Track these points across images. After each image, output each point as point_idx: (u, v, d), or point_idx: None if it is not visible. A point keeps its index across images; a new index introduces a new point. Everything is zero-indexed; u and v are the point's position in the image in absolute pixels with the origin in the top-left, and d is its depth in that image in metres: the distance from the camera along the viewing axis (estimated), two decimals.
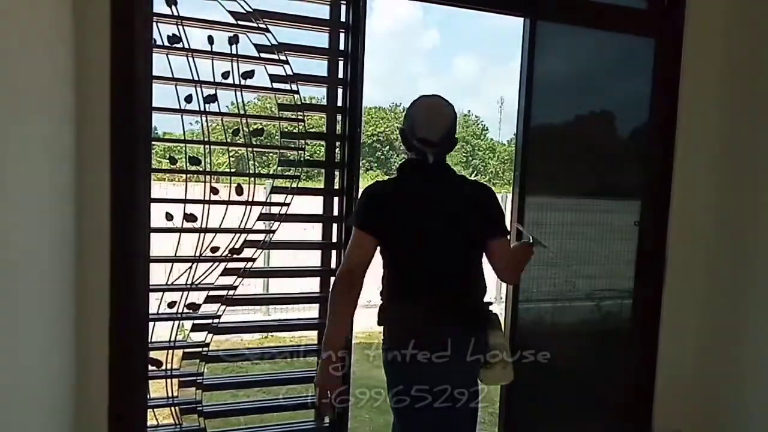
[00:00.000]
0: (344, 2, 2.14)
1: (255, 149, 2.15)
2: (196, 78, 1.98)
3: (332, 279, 2.21)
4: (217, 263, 2.07)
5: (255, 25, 2.01)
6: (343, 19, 2.16)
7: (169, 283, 2.05)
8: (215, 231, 2.06)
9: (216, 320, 2.08)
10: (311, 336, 2.36)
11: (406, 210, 1.71)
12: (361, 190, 1.85)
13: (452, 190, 1.77)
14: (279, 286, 2.64)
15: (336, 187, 2.24)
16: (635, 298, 2.65)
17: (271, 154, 2.49)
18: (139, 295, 1.94)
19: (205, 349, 2.09)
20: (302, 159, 2.17)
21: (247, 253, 2.10)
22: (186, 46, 1.95)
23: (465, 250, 1.77)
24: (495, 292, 7.14)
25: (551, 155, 2.52)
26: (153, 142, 2.05)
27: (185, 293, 2.05)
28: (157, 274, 2.05)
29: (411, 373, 1.70)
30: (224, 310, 2.09)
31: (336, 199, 2.23)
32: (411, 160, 1.79)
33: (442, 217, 1.72)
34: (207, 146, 2.04)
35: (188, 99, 1.98)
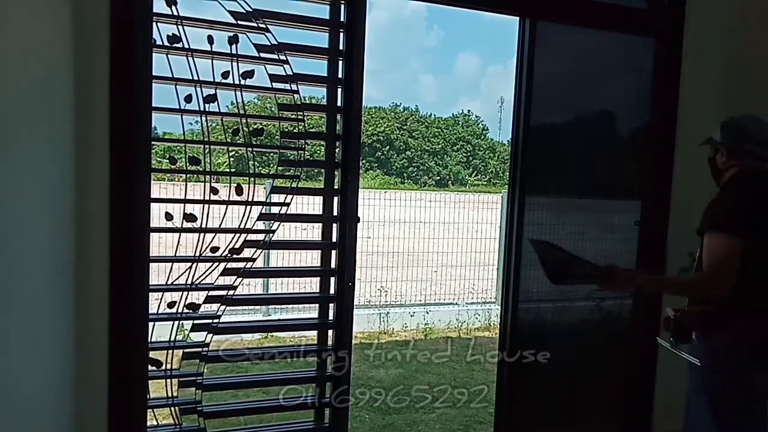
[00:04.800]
0: (344, 2, 2.14)
1: (255, 149, 2.15)
2: (195, 78, 1.98)
3: (333, 279, 2.25)
4: (217, 263, 2.07)
5: (255, 25, 2.01)
6: (342, 19, 2.15)
7: (169, 283, 2.05)
8: (215, 231, 2.06)
9: (216, 320, 2.09)
10: (311, 336, 2.35)
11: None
12: (722, 200, 1.85)
13: None
14: (279, 286, 2.65)
15: (336, 187, 2.24)
16: (635, 298, 2.65)
17: (271, 154, 2.49)
18: (139, 295, 1.93)
19: (205, 349, 2.09)
20: (302, 159, 2.17)
21: (247, 253, 2.10)
22: (186, 46, 1.95)
23: None
24: (495, 293, 7.15)
25: (551, 155, 2.52)
26: (153, 142, 2.05)
27: (185, 293, 2.05)
28: (157, 274, 2.05)
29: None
30: (224, 310, 2.09)
31: (336, 199, 2.23)
32: (750, 171, 1.83)
33: None
34: (207, 146, 2.04)
35: (188, 99, 1.98)
